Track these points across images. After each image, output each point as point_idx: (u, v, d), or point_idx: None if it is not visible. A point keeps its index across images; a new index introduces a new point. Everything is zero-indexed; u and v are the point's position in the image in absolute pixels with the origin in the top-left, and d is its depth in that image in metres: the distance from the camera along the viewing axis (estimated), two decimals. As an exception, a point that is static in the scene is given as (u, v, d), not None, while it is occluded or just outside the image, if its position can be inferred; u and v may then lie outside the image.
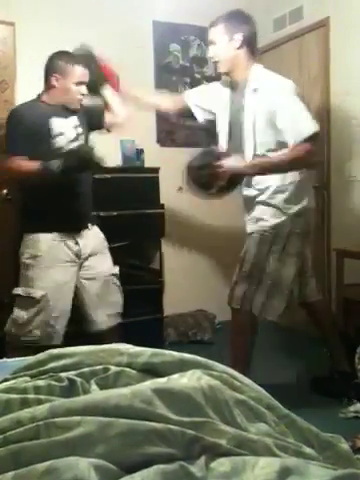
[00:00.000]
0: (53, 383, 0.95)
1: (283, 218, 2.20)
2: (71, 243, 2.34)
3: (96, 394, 0.89)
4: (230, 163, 2.11)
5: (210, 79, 3.77)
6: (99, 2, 3.39)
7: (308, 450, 0.92)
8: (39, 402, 0.88)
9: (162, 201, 3.24)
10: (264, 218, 2.22)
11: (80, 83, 2.30)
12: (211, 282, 3.71)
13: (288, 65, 3.61)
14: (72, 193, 2.32)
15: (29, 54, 3.14)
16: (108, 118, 2.52)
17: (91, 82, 2.36)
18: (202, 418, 0.84)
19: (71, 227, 2.35)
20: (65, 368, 1.03)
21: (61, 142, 2.29)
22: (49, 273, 2.28)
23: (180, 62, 3.67)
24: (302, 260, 2.36)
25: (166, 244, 3.36)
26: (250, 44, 2.21)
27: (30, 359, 1.10)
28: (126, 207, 3.04)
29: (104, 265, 2.46)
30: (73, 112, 2.37)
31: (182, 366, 1.03)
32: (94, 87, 2.42)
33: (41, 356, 1.07)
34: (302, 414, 1.14)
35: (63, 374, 0.99)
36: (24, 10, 3.14)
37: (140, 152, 3.37)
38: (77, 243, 2.35)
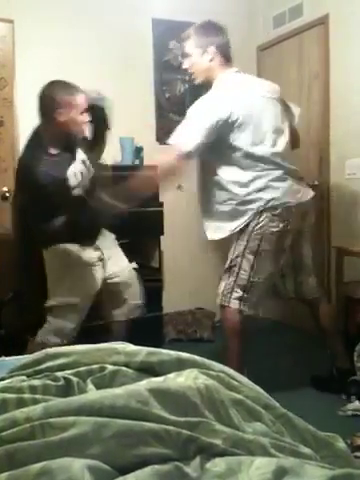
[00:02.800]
0: (49, 382, 0.95)
1: (257, 215, 2.22)
2: (91, 250, 2.39)
3: (91, 394, 0.89)
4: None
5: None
6: (98, 0, 3.38)
7: (305, 450, 0.92)
8: (35, 401, 0.87)
9: (161, 199, 3.24)
10: (237, 217, 2.26)
11: (84, 111, 2.25)
12: (210, 280, 3.70)
13: (288, 62, 3.61)
14: (88, 206, 2.32)
15: (28, 52, 3.13)
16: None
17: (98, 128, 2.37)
18: (198, 418, 0.83)
19: (91, 236, 2.41)
20: (61, 367, 1.03)
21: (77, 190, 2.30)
22: (82, 281, 2.34)
23: (179, 60, 3.66)
24: (295, 256, 2.37)
25: (165, 242, 3.35)
26: (223, 53, 2.27)
27: (26, 358, 1.09)
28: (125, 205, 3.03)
29: (123, 261, 2.53)
30: (75, 146, 2.33)
31: (179, 365, 1.03)
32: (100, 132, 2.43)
33: (37, 355, 1.07)
34: (301, 412, 1.14)
35: (59, 373, 0.99)
36: (23, 8, 3.13)
37: (139, 150, 3.36)
38: (97, 248, 2.41)
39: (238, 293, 2.27)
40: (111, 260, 2.46)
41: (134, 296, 2.54)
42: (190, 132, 2.16)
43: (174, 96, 3.66)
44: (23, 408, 0.84)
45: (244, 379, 1.12)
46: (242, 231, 2.26)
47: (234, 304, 2.27)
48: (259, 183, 2.22)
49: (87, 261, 2.35)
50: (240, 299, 2.27)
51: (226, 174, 2.25)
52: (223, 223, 2.30)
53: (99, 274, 2.40)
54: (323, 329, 2.53)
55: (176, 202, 3.56)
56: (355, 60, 3.08)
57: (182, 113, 3.64)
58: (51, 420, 0.78)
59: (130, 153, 3.29)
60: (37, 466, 0.70)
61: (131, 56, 3.46)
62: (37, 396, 0.90)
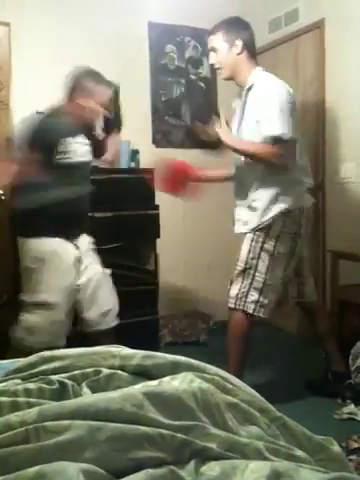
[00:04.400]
0: (44, 386, 0.95)
1: (272, 217, 2.22)
2: (72, 247, 2.37)
3: (86, 398, 0.89)
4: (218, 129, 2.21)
5: (205, 80, 3.78)
6: (95, 3, 3.38)
7: (300, 453, 0.92)
8: (29, 405, 0.87)
9: (157, 202, 3.24)
10: (252, 218, 2.25)
11: (103, 104, 2.35)
12: (206, 283, 3.71)
13: (284, 66, 3.62)
14: (75, 198, 2.33)
15: (24, 55, 3.13)
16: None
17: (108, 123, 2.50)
18: (193, 422, 0.83)
19: (73, 232, 2.38)
20: (56, 371, 1.02)
21: (68, 159, 2.33)
22: (57, 277, 2.29)
23: (176, 63, 3.67)
24: (297, 260, 2.38)
25: (161, 245, 3.35)
26: (250, 48, 2.27)
27: (21, 362, 1.09)
28: (121, 208, 3.03)
29: (97, 266, 2.48)
30: (83, 128, 2.40)
31: (174, 369, 1.03)
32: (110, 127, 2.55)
33: (32, 359, 1.07)
34: (296, 416, 1.14)
35: (54, 377, 0.99)
36: (19, 10, 3.13)
37: (135, 153, 3.36)
38: (77, 247, 2.38)
39: (254, 296, 2.23)
40: (86, 261, 2.43)
41: (103, 303, 2.48)
42: (284, 119, 2.11)
43: (170, 99, 3.67)
44: (17, 412, 0.84)
45: (239, 382, 1.12)
46: (257, 232, 2.24)
47: (249, 308, 2.23)
48: (286, 183, 2.22)
49: (66, 258, 2.32)
50: (256, 303, 2.23)
51: (253, 172, 2.24)
52: (250, 218, 2.27)
53: (75, 273, 2.36)
54: (319, 332, 2.54)
55: (172, 205, 3.56)
56: (351, 64, 3.09)
57: (178, 116, 3.68)
58: (46, 424, 0.78)
59: (126, 156, 3.29)
60: (32, 470, 0.69)
61: (127, 59, 3.46)
62: (32, 400, 0.89)
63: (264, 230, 2.23)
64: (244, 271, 2.25)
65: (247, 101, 2.26)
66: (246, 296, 2.24)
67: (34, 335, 2.28)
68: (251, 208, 2.26)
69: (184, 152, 3.31)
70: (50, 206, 2.24)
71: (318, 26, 3.29)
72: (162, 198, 3.31)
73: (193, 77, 3.74)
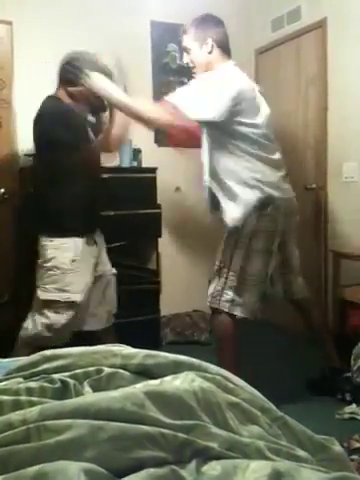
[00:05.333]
0: (45, 385, 0.95)
1: (244, 214, 2.17)
2: (93, 244, 2.36)
3: (87, 397, 0.89)
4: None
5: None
6: (97, 2, 3.38)
7: (301, 453, 0.92)
8: (31, 404, 0.87)
9: (159, 201, 3.24)
10: (227, 214, 2.22)
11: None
12: (208, 282, 3.70)
13: (286, 65, 3.62)
14: (93, 193, 2.33)
15: (26, 53, 3.13)
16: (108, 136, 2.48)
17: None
18: (194, 421, 0.83)
19: (94, 228, 2.39)
20: (58, 369, 1.02)
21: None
22: (84, 277, 2.30)
23: (178, 62, 3.67)
24: (282, 258, 2.35)
25: (163, 244, 3.35)
26: (221, 46, 2.26)
27: (23, 360, 1.09)
28: (123, 207, 3.03)
29: (107, 264, 2.50)
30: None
31: (175, 368, 1.03)
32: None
33: (34, 357, 1.07)
34: (298, 415, 1.14)
35: (56, 376, 0.99)
36: (22, 9, 3.13)
37: (137, 152, 3.36)
38: (95, 244, 2.38)
39: (228, 295, 2.22)
40: (99, 259, 2.43)
41: (109, 302, 2.49)
42: (214, 100, 2.07)
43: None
44: (19, 410, 0.84)
45: (240, 382, 1.12)
46: (231, 230, 2.21)
47: (224, 307, 2.23)
48: (254, 177, 2.17)
49: (90, 257, 2.32)
50: (231, 302, 2.22)
51: (224, 161, 2.19)
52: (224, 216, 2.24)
53: (92, 271, 2.36)
54: (313, 329, 2.53)
55: (174, 204, 3.56)
56: (352, 63, 3.09)
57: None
58: (47, 423, 0.78)
59: (128, 155, 3.29)
60: (32, 469, 0.70)
61: (129, 58, 3.45)
62: (33, 398, 0.89)
63: (237, 228, 2.19)
64: (219, 269, 2.25)
65: None
66: (221, 295, 2.24)
67: (58, 333, 2.28)
68: (220, 208, 2.25)
69: (186, 151, 3.30)
70: (72, 201, 2.23)
71: (320, 25, 3.28)
72: (164, 197, 3.32)
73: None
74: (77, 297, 2.26)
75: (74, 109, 2.28)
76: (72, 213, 2.25)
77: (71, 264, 2.25)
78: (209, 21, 2.29)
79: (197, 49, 2.26)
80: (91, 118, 2.44)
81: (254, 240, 2.20)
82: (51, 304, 2.27)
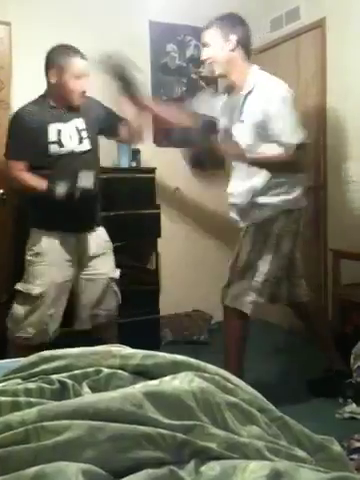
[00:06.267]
0: (44, 386, 0.95)
1: (275, 216, 2.21)
2: (74, 243, 2.35)
3: (86, 397, 0.89)
4: (228, 146, 2.18)
5: (206, 79, 3.77)
6: (96, 2, 3.38)
7: (300, 453, 0.92)
8: (30, 405, 0.87)
9: (158, 201, 3.24)
10: (256, 215, 2.23)
11: (80, 76, 2.25)
12: (207, 282, 3.70)
13: (285, 65, 3.61)
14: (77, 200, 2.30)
15: (25, 54, 3.13)
16: (124, 131, 2.45)
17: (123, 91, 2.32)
18: (193, 421, 0.83)
19: (75, 228, 2.36)
20: (57, 370, 1.02)
21: (54, 149, 2.28)
22: (49, 271, 2.29)
23: (177, 62, 3.67)
24: (291, 260, 2.36)
25: (162, 244, 3.35)
26: (244, 46, 2.22)
27: (21, 361, 1.09)
28: (122, 207, 3.03)
29: (105, 268, 2.47)
30: (77, 113, 2.34)
31: (174, 368, 1.03)
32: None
33: (32, 358, 1.07)
34: (298, 415, 1.14)
35: (54, 376, 0.99)
36: (21, 10, 3.13)
37: (136, 152, 3.36)
38: (80, 243, 2.37)
39: (252, 297, 2.21)
40: (94, 261, 2.42)
41: (101, 307, 2.49)
42: (297, 123, 2.10)
43: (171, 99, 3.66)
44: (18, 411, 0.84)
45: (240, 382, 1.12)
46: (258, 230, 2.22)
47: (247, 308, 2.21)
48: (286, 182, 2.21)
49: (62, 253, 2.31)
50: (254, 303, 2.21)
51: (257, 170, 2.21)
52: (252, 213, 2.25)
53: (73, 270, 2.36)
54: (316, 333, 2.53)
55: (173, 204, 3.56)
56: (352, 63, 3.09)
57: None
58: (45, 424, 0.78)
59: (127, 156, 3.29)
60: (31, 470, 0.69)
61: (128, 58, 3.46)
62: (32, 399, 0.89)
63: (266, 228, 2.21)
64: (244, 270, 2.23)
65: (246, 103, 2.20)
66: (244, 296, 2.22)
67: (19, 326, 2.30)
68: (254, 204, 2.23)
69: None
70: (50, 204, 2.22)
71: (319, 25, 3.28)
72: (163, 197, 3.32)
73: (194, 76, 3.73)
74: (36, 290, 2.26)
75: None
76: (39, 209, 2.28)
77: (35, 257, 2.30)
78: (234, 18, 2.25)
79: (219, 45, 2.20)
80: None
81: (281, 242, 2.22)
82: (17, 294, 2.33)
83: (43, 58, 3.15)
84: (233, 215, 2.34)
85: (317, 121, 3.36)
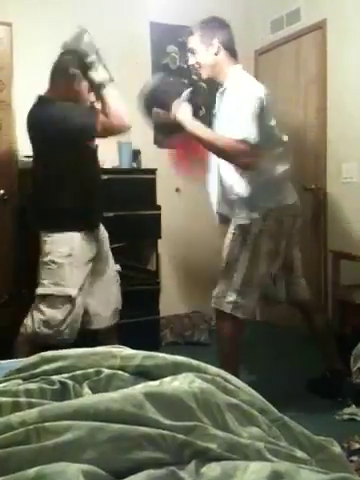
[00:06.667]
0: (45, 386, 0.95)
1: (253, 216, 2.20)
2: (93, 241, 2.37)
3: (87, 398, 0.89)
4: (181, 113, 2.18)
5: (207, 81, 3.77)
6: (96, 3, 3.38)
7: (300, 454, 0.92)
8: (30, 405, 0.87)
9: (159, 202, 3.24)
10: (235, 216, 2.24)
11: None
12: (207, 284, 3.70)
13: (285, 66, 3.62)
14: (93, 191, 2.34)
15: (26, 55, 3.13)
16: (103, 121, 2.23)
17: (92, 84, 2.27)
18: (193, 422, 0.83)
19: (93, 224, 2.38)
20: (57, 371, 1.02)
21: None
22: (80, 271, 2.30)
23: (177, 63, 3.67)
24: (285, 260, 2.36)
25: (163, 245, 3.35)
26: (228, 48, 2.26)
27: (22, 362, 1.09)
28: (123, 208, 3.04)
29: (111, 262, 2.50)
30: None
31: (175, 369, 1.03)
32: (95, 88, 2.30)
33: (33, 359, 1.07)
34: (297, 416, 1.15)
35: (55, 377, 0.99)
36: (21, 10, 3.14)
37: (137, 153, 3.36)
38: (95, 240, 2.38)
39: (231, 297, 2.23)
40: (101, 257, 2.43)
41: (113, 300, 2.50)
42: (252, 122, 2.09)
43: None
44: (18, 412, 0.84)
45: (240, 383, 1.12)
46: (237, 231, 2.22)
47: (227, 308, 2.23)
48: (267, 183, 2.21)
49: (87, 252, 2.32)
50: (234, 303, 2.23)
51: (233, 169, 2.21)
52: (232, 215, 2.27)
53: (90, 267, 2.36)
54: (316, 332, 2.53)
55: (173, 205, 3.56)
56: (352, 64, 3.09)
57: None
58: (46, 424, 0.78)
59: (128, 157, 3.30)
60: (32, 471, 0.70)
61: (129, 59, 3.46)
62: (33, 400, 0.89)
63: (244, 228, 2.21)
64: (225, 270, 2.26)
65: (222, 102, 2.27)
66: (224, 296, 2.24)
67: (59, 330, 2.28)
68: (232, 206, 2.26)
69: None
70: (72, 198, 2.24)
71: (320, 26, 3.29)
72: (164, 198, 3.32)
73: (195, 77, 3.73)
74: (72, 291, 2.26)
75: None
76: (70, 209, 2.27)
77: (67, 258, 2.27)
78: (215, 23, 2.29)
79: (203, 51, 2.25)
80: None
81: (261, 241, 2.21)
82: (47, 299, 2.28)
83: (43, 58, 3.17)
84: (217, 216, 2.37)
85: (317, 121, 3.37)
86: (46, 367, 1.04)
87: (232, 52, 2.28)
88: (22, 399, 0.90)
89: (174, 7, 3.55)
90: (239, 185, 2.22)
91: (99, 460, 0.74)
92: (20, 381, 1.02)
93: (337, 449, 1.03)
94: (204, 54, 2.26)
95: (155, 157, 3.45)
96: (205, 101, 3.74)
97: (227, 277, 2.25)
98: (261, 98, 2.12)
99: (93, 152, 2.40)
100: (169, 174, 3.51)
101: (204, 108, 3.73)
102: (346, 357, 2.43)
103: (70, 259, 2.27)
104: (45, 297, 2.28)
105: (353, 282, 2.98)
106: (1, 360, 1.47)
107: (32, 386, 0.96)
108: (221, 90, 2.29)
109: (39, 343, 2.23)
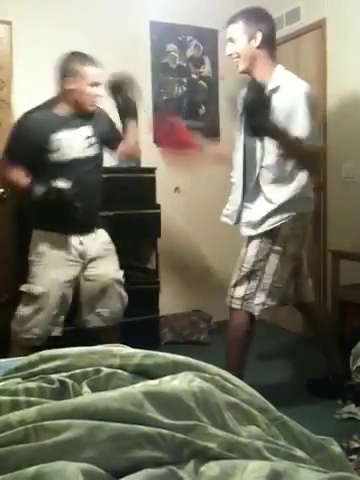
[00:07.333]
0: (44, 385, 0.95)
1: (285, 219, 2.20)
2: (75, 243, 2.36)
3: (86, 397, 0.89)
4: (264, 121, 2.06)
5: (207, 79, 3.77)
6: (96, 2, 3.38)
7: (299, 453, 0.92)
8: (29, 404, 0.87)
9: (158, 201, 3.24)
10: (268, 218, 2.21)
11: (94, 84, 2.28)
12: (207, 283, 3.71)
13: (285, 65, 3.56)
14: (60, 202, 2.23)
15: (26, 53, 3.13)
16: (122, 148, 2.51)
17: (121, 110, 2.38)
18: (192, 421, 0.83)
19: (74, 229, 2.37)
20: (56, 370, 1.02)
21: (57, 157, 2.29)
22: (49, 271, 2.31)
23: (177, 62, 3.67)
24: (298, 261, 2.37)
25: (162, 244, 3.35)
26: (270, 42, 2.18)
27: (21, 360, 1.09)
28: (122, 207, 3.04)
29: (107, 269, 2.48)
30: (86, 120, 2.36)
31: (174, 368, 1.03)
32: (122, 115, 2.42)
33: (32, 357, 1.07)
34: (297, 415, 1.14)
35: (54, 376, 0.99)
36: (21, 9, 3.13)
37: (137, 152, 3.36)
38: (82, 243, 2.38)
39: (260, 298, 2.21)
40: (95, 262, 2.43)
41: (104, 307, 2.49)
42: (317, 129, 2.11)
43: (172, 98, 3.67)
44: (17, 411, 0.84)
45: (239, 382, 1.12)
46: (266, 233, 2.21)
47: (256, 310, 2.21)
48: (301, 188, 2.20)
49: (63, 253, 2.32)
50: (263, 304, 2.22)
51: (271, 173, 2.18)
52: (256, 220, 2.22)
53: (75, 270, 2.37)
54: (318, 333, 2.53)
55: (173, 204, 3.56)
56: (352, 64, 3.09)
57: (179, 115, 3.67)
58: (45, 423, 0.77)
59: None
60: (30, 470, 0.69)
61: (129, 58, 3.45)
62: (32, 399, 0.89)
63: (273, 231, 2.20)
64: (251, 273, 2.22)
65: (275, 100, 2.14)
66: (253, 298, 2.22)
67: (25, 327, 2.31)
68: (263, 210, 2.20)
69: (185, 152, 3.31)
70: (47, 207, 2.22)
71: (319, 25, 3.29)
72: (163, 198, 3.32)
73: (194, 76, 3.73)
74: (37, 289, 2.28)
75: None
76: (38, 209, 2.27)
77: (36, 257, 2.32)
78: (261, 14, 2.19)
79: (245, 42, 2.16)
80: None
81: (288, 245, 2.21)
82: (22, 296, 2.34)
83: (43, 57, 3.17)
84: (243, 229, 2.31)
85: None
86: (45, 366, 1.03)
87: (273, 46, 2.20)
88: (21, 398, 0.90)
89: (174, 6, 3.54)
90: (277, 192, 2.18)
91: (98, 459, 0.74)
92: (19, 380, 1.02)
93: (336, 448, 1.03)
94: (245, 45, 2.15)
95: (154, 156, 3.45)
96: (205, 99, 3.76)
97: (254, 279, 2.21)
98: (317, 101, 2.13)
99: (53, 166, 2.31)
100: (169, 173, 3.52)
101: (204, 107, 3.75)
102: (345, 357, 2.43)
103: (39, 258, 2.32)
104: (22, 294, 2.35)
105: (353, 282, 2.98)
106: (1, 359, 1.47)
107: (31, 385, 0.96)
108: (272, 88, 2.15)
109: (22, 345, 2.29)
